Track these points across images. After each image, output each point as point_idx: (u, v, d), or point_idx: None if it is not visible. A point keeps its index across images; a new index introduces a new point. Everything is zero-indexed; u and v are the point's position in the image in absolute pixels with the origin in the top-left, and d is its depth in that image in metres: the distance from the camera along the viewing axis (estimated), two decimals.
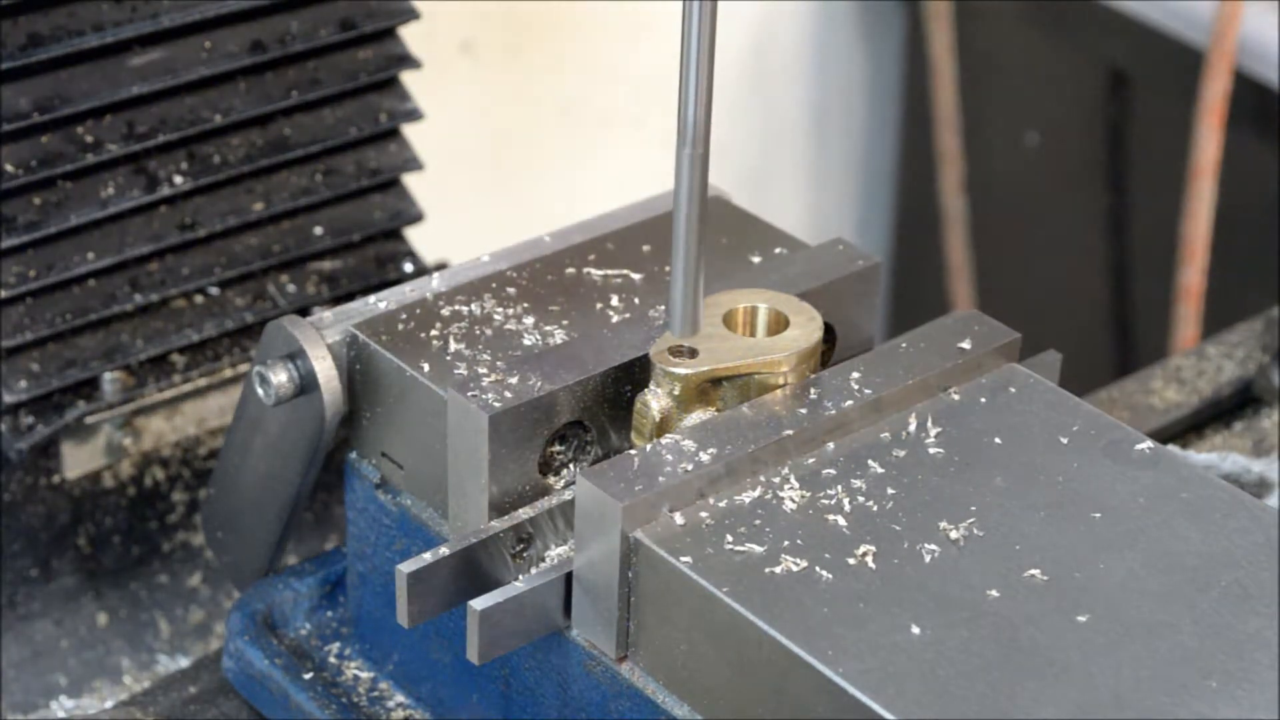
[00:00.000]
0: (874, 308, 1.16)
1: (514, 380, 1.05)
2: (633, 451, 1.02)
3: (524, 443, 1.05)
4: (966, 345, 1.10)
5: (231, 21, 1.38)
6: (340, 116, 1.43)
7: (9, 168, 1.31)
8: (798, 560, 0.97)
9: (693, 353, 1.06)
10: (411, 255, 1.46)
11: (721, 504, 1.01)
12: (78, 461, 1.38)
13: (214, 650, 1.30)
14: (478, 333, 1.12)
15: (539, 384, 1.05)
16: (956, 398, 1.08)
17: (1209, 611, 0.96)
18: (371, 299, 1.14)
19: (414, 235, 1.49)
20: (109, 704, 1.36)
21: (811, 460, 1.04)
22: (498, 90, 2.35)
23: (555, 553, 1.05)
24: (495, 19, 2.30)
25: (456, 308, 1.13)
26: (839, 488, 1.02)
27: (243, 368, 1.40)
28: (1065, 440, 1.06)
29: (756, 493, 1.01)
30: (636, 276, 1.17)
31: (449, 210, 1.72)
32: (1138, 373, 1.49)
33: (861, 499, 1.01)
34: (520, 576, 1.03)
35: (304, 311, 1.40)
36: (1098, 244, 2.55)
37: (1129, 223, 2.52)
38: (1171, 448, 1.19)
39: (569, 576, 1.03)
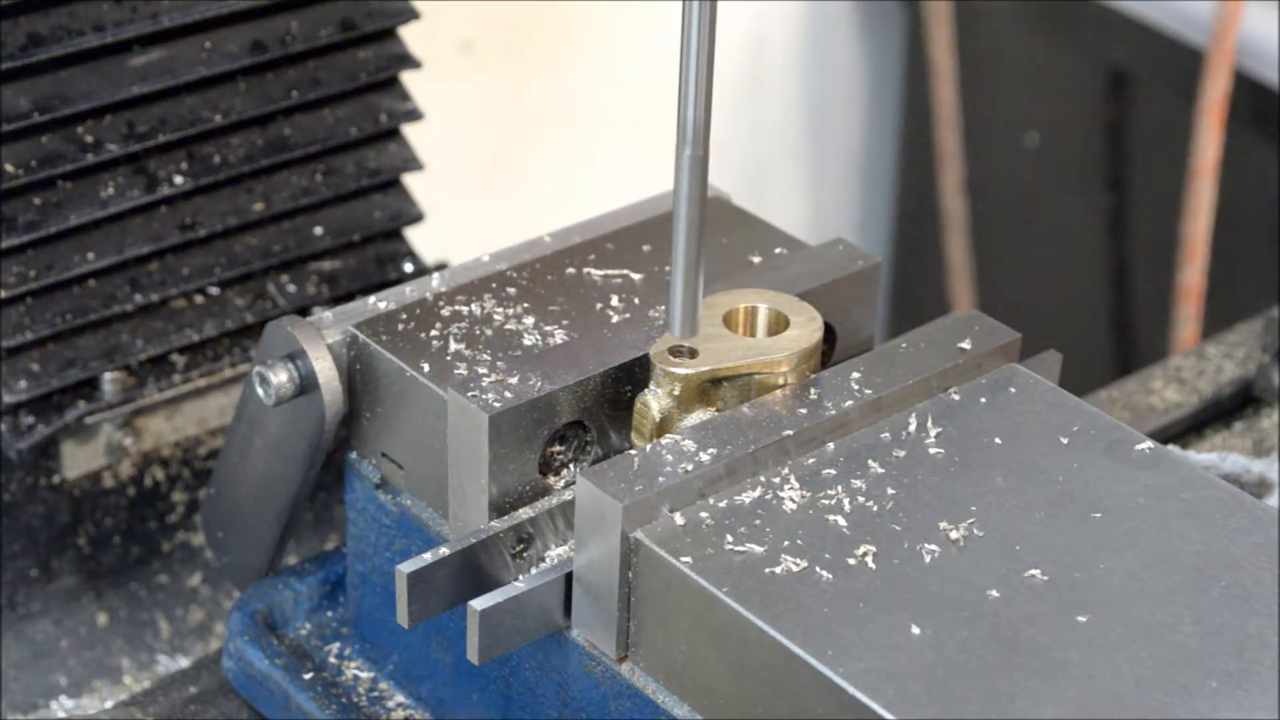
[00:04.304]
0: (874, 308, 1.16)
1: (514, 380, 1.05)
2: (633, 451, 1.02)
3: (524, 443, 1.05)
4: (966, 345, 1.10)
5: (231, 21, 1.38)
6: (340, 116, 1.43)
7: (9, 168, 1.31)
8: (798, 560, 0.97)
9: (693, 353, 1.06)
10: (411, 255, 1.46)
11: (721, 504, 1.01)
12: (78, 461, 1.38)
13: (214, 650, 1.30)
14: (478, 333, 1.12)
15: (539, 384, 1.05)
16: (956, 398, 1.08)
17: (1209, 611, 0.96)
18: (371, 299, 1.14)
19: (414, 235, 1.49)
20: (109, 704, 1.36)
21: (811, 460, 1.04)
22: (497, 90, 2.35)
23: (555, 553, 1.05)
24: (495, 19, 2.31)
25: (456, 308, 1.13)
26: (839, 488, 1.02)
27: (243, 368, 1.40)
28: (1065, 440, 1.06)
29: (756, 493, 1.01)
30: (636, 276, 1.17)
31: (449, 210, 1.72)
32: (1138, 373, 1.49)
33: (861, 499, 1.01)
34: (520, 576, 1.03)
35: (304, 311, 1.40)
36: (1098, 244, 2.55)
37: (1129, 223, 2.52)
38: (1171, 448, 1.19)
39: (569, 576, 1.03)
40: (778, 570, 0.97)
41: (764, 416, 1.04)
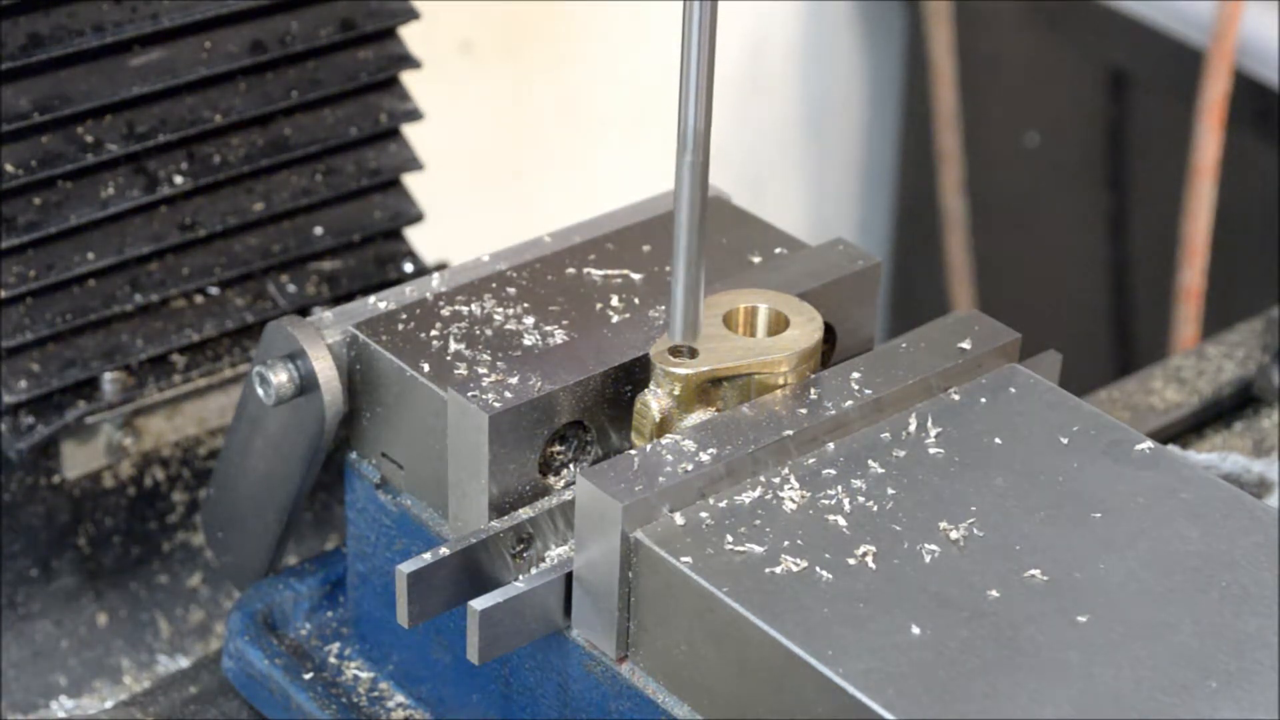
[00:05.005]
0: (874, 308, 1.16)
1: (514, 380, 1.05)
2: (633, 451, 1.02)
3: (524, 443, 1.05)
4: (966, 345, 1.10)
5: (231, 21, 1.38)
6: (340, 116, 1.43)
7: (9, 168, 1.31)
8: (798, 560, 0.97)
9: (693, 353, 1.06)
10: (411, 255, 1.46)
11: (721, 504, 1.01)
12: (78, 461, 1.38)
13: (214, 650, 1.30)
14: (478, 333, 1.12)
15: (539, 384, 1.05)
16: (956, 398, 1.08)
17: (1209, 611, 0.96)
18: (371, 299, 1.14)
19: (414, 235, 1.49)
20: (109, 704, 1.36)
21: (811, 460, 1.04)
22: (498, 90, 2.35)
23: (555, 553, 1.05)
24: (495, 19, 2.31)
25: (456, 308, 1.13)
26: (839, 488, 1.02)
27: (243, 368, 1.40)
28: (1065, 440, 1.06)
29: (756, 493, 1.01)
30: (636, 276, 1.17)
31: (449, 210, 1.72)
32: (1138, 373, 1.49)
33: (861, 499, 1.01)
34: (520, 576, 1.03)
35: (304, 311, 1.40)
36: (1098, 244, 2.55)
37: (1129, 223, 2.52)
38: (1171, 448, 1.19)
39: (569, 576, 1.03)
40: (778, 570, 0.97)
41: (764, 416, 1.04)
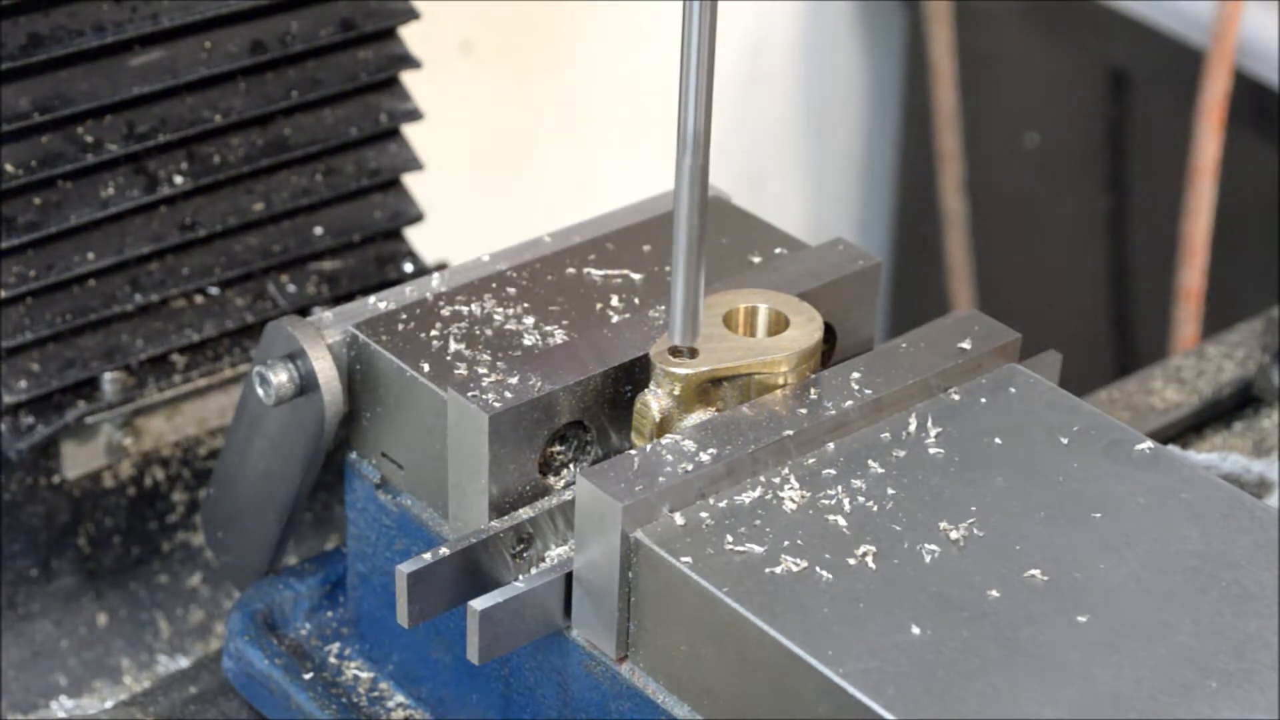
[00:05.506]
0: (874, 308, 1.16)
1: (514, 380, 1.05)
2: (633, 451, 1.02)
3: (524, 443, 1.05)
4: (966, 345, 1.10)
5: (231, 21, 1.38)
6: (340, 116, 1.43)
7: (9, 168, 1.31)
8: (798, 560, 0.97)
9: (693, 353, 1.06)
10: (411, 255, 1.46)
11: (721, 504, 1.01)
12: (78, 461, 1.38)
13: (214, 650, 1.30)
14: (478, 333, 1.12)
15: (539, 384, 1.05)
16: (956, 398, 1.08)
17: (1209, 611, 0.96)
18: (371, 299, 1.14)
19: (414, 235, 1.49)
20: (109, 704, 1.36)
21: (811, 460, 1.04)
22: (498, 90, 2.35)
23: (555, 553, 1.05)
24: (495, 19, 2.31)
25: (456, 308, 1.13)
26: (839, 488, 1.02)
27: (243, 368, 1.40)
28: (1065, 440, 1.06)
29: (756, 493, 1.01)
30: (636, 276, 1.17)
31: (449, 210, 1.72)
32: (1138, 373, 1.49)
33: (861, 499, 1.01)
34: (520, 576, 1.03)
35: (304, 311, 1.40)
36: (1098, 244, 2.56)
37: (1129, 223, 2.52)
38: (1171, 448, 1.19)
39: (569, 576, 1.03)
40: (778, 570, 0.97)
41: (764, 416, 1.04)
